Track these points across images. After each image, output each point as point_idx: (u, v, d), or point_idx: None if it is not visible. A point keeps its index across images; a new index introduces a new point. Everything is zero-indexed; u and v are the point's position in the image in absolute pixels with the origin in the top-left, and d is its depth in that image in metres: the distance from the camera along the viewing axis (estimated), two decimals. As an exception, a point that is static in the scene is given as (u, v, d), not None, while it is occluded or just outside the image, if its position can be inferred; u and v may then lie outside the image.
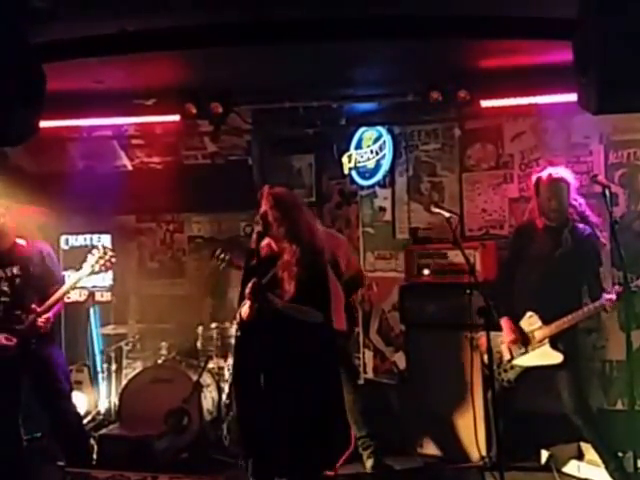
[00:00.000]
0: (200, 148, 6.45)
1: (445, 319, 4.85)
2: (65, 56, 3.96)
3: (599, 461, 4.10)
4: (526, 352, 4.16)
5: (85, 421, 5.33)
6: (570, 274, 4.10)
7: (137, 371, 5.46)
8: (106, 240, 6.13)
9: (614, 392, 4.70)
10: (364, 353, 5.89)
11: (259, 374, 3.35)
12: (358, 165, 5.78)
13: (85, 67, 4.32)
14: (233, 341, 4.88)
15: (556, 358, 4.05)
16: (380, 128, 5.66)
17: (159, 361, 5.56)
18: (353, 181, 5.92)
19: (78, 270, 4.46)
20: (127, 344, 6.01)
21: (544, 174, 4.21)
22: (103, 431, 5.08)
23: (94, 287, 6.13)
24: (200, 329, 5.67)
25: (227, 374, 5.43)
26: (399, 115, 5.46)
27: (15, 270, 4.36)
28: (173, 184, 6.11)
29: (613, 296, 3.90)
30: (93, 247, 4.56)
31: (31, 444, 4.87)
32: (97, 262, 4.41)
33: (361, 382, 5.48)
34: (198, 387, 4.99)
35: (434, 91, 4.76)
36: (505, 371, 4.25)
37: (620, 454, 4.06)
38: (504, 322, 4.21)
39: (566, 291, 4.08)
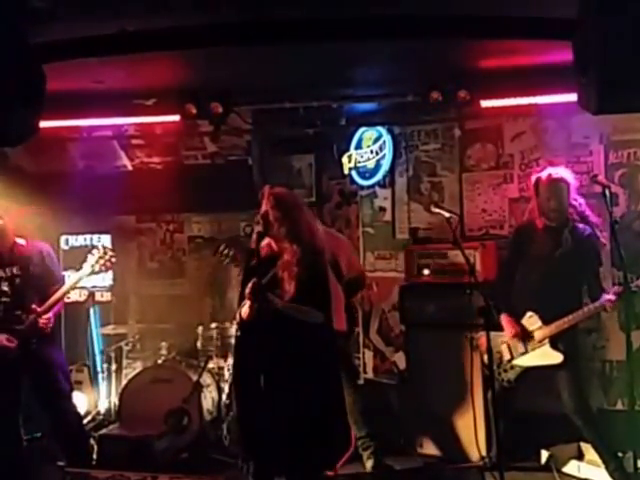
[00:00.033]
0: (200, 148, 6.45)
1: (445, 319, 4.85)
2: (65, 56, 3.96)
3: (599, 461, 4.10)
4: (526, 352, 4.16)
5: (85, 421, 5.34)
6: (570, 274, 4.10)
7: (137, 371, 5.46)
8: (106, 240, 6.13)
9: (614, 392, 4.70)
10: (364, 353, 5.89)
11: (259, 374, 3.35)
12: (358, 165, 5.78)
13: (85, 67, 4.32)
14: (233, 341, 4.87)
15: (556, 358, 4.05)
16: (380, 128, 5.66)
17: (159, 361, 5.56)
18: (353, 181, 5.92)
19: (78, 270, 4.46)
20: (127, 344, 6.02)
21: (544, 174, 4.20)
22: (103, 431, 5.08)
23: (94, 287, 6.13)
24: (200, 329, 5.67)
25: (227, 374, 5.43)
26: (399, 115, 5.46)
27: (15, 270, 4.36)
28: (173, 184, 6.11)
29: (613, 296, 3.90)
30: (93, 247, 4.56)
31: (31, 444, 4.87)
32: (97, 262, 4.42)
33: (361, 382, 5.48)
34: (198, 387, 4.99)
35: (434, 91, 4.76)
36: (505, 371, 4.25)
37: (620, 454, 4.05)
38: (504, 318, 4.21)
39: (566, 291, 4.08)
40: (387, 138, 5.63)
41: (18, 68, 2.99)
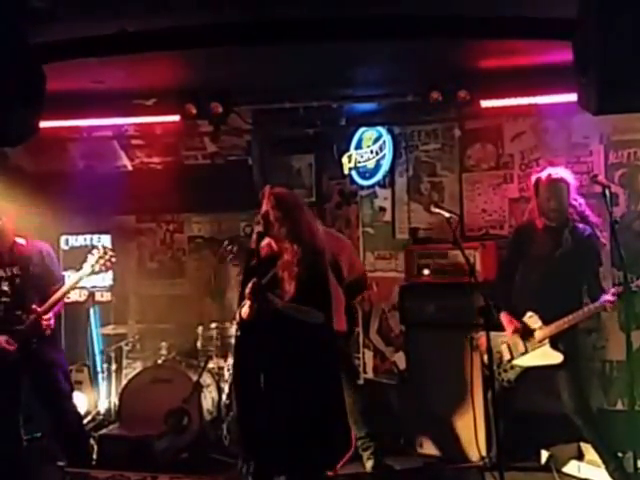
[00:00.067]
0: (200, 148, 6.45)
1: (445, 319, 4.85)
2: (65, 56, 3.96)
3: (599, 461, 4.10)
4: (526, 352, 4.16)
5: (85, 421, 5.33)
6: (570, 274, 4.10)
7: (137, 371, 5.46)
8: (106, 240, 6.13)
9: (614, 392, 4.70)
10: (364, 353, 5.90)
11: (259, 374, 3.35)
12: (358, 165, 5.79)
13: (85, 67, 4.32)
14: (233, 341, 4.87)
15: (556, 358, 4.05)
16: (380, 128, 5.67)
17: (159, 361, 5.56)
18: (353, 181, 5.92)
19: (78, 270, 4.46)
20: (127, 344, 6.01)
21: (543, 174, 4.20)
22: (103, 431, 5.09)
23: (94, 287, 6.13)
24: (200, 329, 5.66)
25: (227, 374, 5.43)
26: (399, 115, 5.46)
27: (15, 270, 4.36)
28: (173, 184, 6.11)
29: (613, 297, 3.90)
30: (93, 247, 4.56)
31: (31, 444, 4.87)
32: (97, 262, 4.42)
33: (361, 382, 5.47)
34: (198, 387, 4.99)
35: (434, 91, 4.76)
36: (505, 371, 4.25)
37: (620, 454, 4.05)
38: (503, 315, 4.21)
39: (566, 291, 4.08)
40: (387, 138, 5.64)
41: (18, 68, 3.00)
